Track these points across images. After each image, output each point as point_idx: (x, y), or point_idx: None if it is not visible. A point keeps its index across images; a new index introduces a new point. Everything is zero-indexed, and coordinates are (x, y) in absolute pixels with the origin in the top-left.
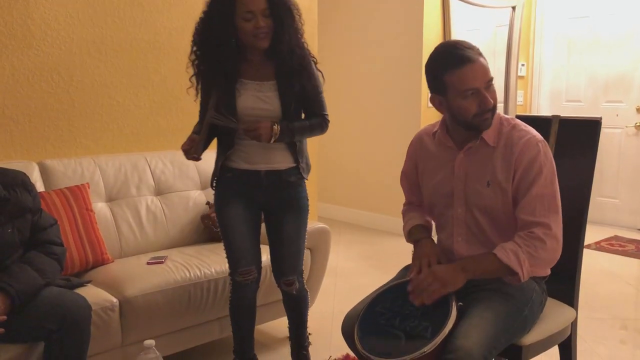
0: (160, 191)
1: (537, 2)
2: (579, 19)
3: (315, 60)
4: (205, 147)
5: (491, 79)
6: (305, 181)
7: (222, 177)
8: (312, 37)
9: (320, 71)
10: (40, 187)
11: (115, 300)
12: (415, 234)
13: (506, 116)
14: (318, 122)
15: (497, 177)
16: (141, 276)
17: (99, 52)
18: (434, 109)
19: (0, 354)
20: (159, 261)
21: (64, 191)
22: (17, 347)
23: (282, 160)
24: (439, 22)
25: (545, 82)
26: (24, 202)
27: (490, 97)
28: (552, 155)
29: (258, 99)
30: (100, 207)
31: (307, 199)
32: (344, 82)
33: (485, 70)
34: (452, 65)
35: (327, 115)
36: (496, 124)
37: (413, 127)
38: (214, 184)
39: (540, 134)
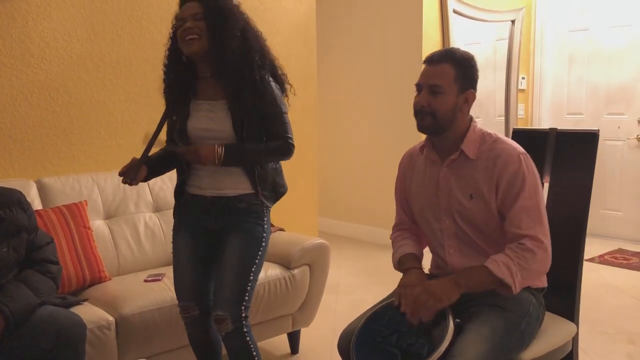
0: (158, 208)
1: (537, 15)
2: (579, 32)
3: (281, 70)
4: (157, 173)
5: (434, 85)
6: (266, 210)
7: (178, 203)
8: (310, 51)
9: (289, 84)
10: (37, 204)
11: (111, 318)
12: (404, 263)
13: (488, 131)
14: (277, 145)
15: (479, 190)
16: (138, 294)
17: (97, 69)
18: None
19: None
20: (156, 279)
21: (61, 209)
22: None
23: (233, 186)
24: (438, 36)
25: (546, 95)
26: (20, 220)
27: (420, 100)
28: (534, 167)
29: (209, 119)
30: (98, 225)
31: (264, 230)
32: (343, 97)
33: (430, 74)
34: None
35: (290, 137)
36: (477, 137)
37: (413, 142)
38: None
39: (538, 147)
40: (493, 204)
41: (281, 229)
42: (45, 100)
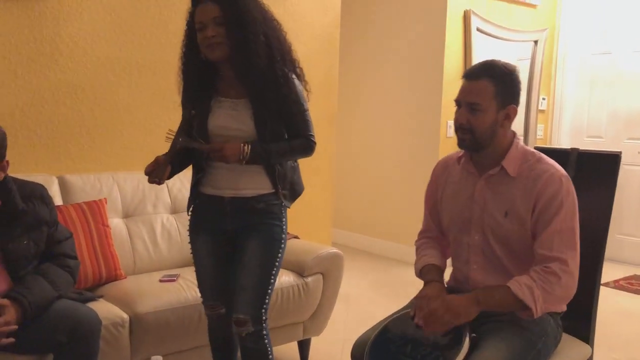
0: (176, 209)
1: (560, 37)
2: (602, 55)
3: (300, 70)
4: (176, 171)
5: (472, 103)
6: (284, 209)
7: (195, 203)
8: (333, 62)
9: (306, 81)
10: (58, 200)
11: (125, 316)
12: (426, 274)
13: (532, 150)
14: (300, 143)
15: (515, 208)
16: (153, 293)
17: (124, 71)
18: (453, 138)
19: None
20: (171, 279)
21: (81, 205)
22: (26, 358)
23: (252, 186)
24: (461, 53)
25: (566, 117)
26: (41, 214)
27: (459, 117)
28: (574, 192)
29: (231, 117)
30: (116, 223)
31: (283, 231)
32: (363, 109)
33: (468, 91)
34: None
35: (312, 135)
36: (519, 155)
37: (431, 156)
38: (189, 210)
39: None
40: (528, 224)
41: (296, 237)
42: (71, 98)
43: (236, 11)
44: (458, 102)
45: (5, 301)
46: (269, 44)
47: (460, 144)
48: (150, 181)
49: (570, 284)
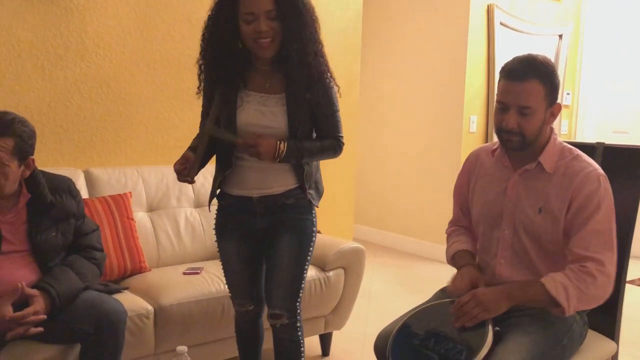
0: (199, 203)
1: (585, 31)
2: (627, 49)
3: (331, 75)
4: (202, 165)
5: (524, 107)
6: (315, 208)
7: (220, 204)
8: (354, 57)
9: (337, 85)
10: (84, 194)
11: (150, 307)
12: (459, 260)
13: (569, 146)
14: (330, 144)
15: (550, 205)
16: (177, 286)
17: (148, 66)
18: (476, 134)
19: (37, 354)
20: (195, 272)
21: (107, 199)
22: (54, 348)
23: (280, 184)
24: (484, 48)
25: (591, 112)
26: (69, 207)
27: (509, 120)
28: (611, 191)
29: (261, 114)
30: (140, 217)
31: (313, 224)
32: (385, 104)
33: (517, 93)
34: (501, 74)
35: (341, 137)
36: (557, 151)
37: (453, 152)
38: (211, 208)
39: None
40: (561, 222)
41: (318, 231)
42: (97, 93)
43: (291, 4)
44: (504, 104)
45: (35, 291)
46: (315, 39)
47: (506, 145)
48: (181, 180)
49: (606, 285)
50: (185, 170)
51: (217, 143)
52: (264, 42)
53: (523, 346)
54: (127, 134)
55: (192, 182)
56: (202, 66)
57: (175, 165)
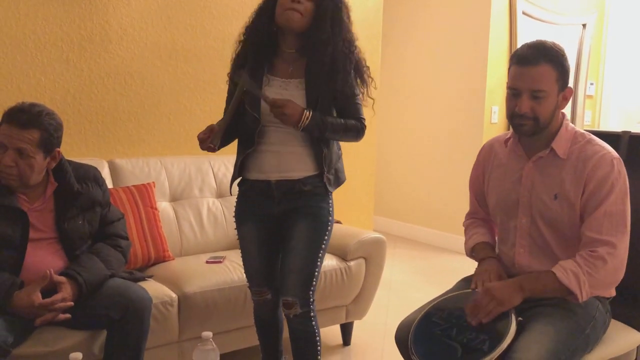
0: (221, 194)
1: (610, 20)
2: None
3: (367, 67)
4: (226, 140)
5: (537, 91)
6: (331, 194)
7: (240, 191)
8: (375, 47)
9: (371, 77)
10: (109, 183)
11: (174, 295)
12: (479, 252)
13: (581, 130)
14: (354, 125)
15: (565, 191)
16: (200, 274)
17: (170, 57)
18: (497, 124)
19: (65, 340)
20: (217, 261)
21: (131, 189)
22: (81, 334)
23: (298, 168)
24: (506, 38)
25: (615, 103)
26: (95, 195)
27: (522, 104)
28: (626, 174)
29: (280, 97)
30: (164, 206)
31: (330, 214)
32: (406, 97)
33: (529, 78)
34: (512, 61)
35: (363, 119)
36: (569, 136)
37: (475, 143)
38: (231, 190)
39: None
40: (577, 207)
41: (338, 222)
42: (120, 85)
43: None
44: (517, 90)
45: (62, 278)
46: (343, 29)
47: (519, 129)
48: (204, 147)
49: (618, 268)
50: (209, 139)
51: (239, 124)
52: (295, 12)
53: (546, 336)
54: (149, 124)
55: (214, 149)
56: (240, 45)
57: (199, 134)
